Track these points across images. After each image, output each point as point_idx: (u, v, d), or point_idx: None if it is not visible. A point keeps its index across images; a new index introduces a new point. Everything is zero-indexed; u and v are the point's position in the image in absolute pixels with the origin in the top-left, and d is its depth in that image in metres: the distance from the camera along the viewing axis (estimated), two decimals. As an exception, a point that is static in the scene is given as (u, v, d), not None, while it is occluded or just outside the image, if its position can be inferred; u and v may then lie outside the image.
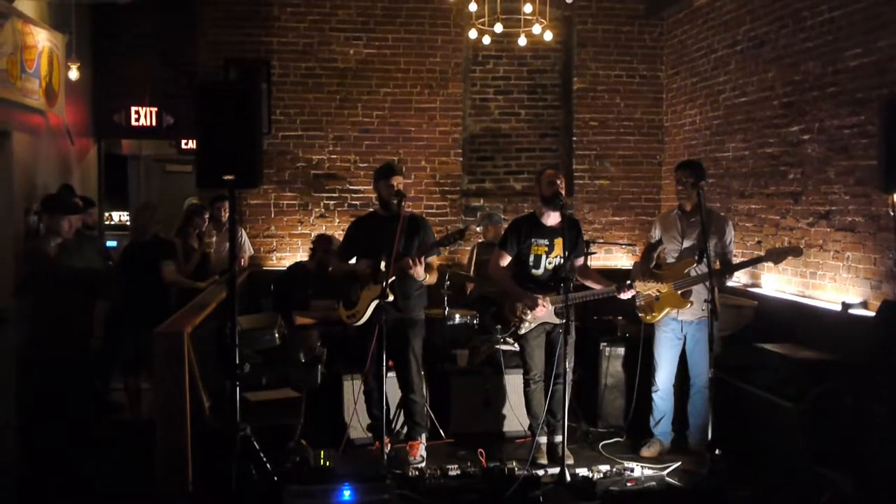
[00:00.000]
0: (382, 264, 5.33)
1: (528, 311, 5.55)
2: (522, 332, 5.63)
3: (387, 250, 5.30)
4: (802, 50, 6.18)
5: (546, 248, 5.63)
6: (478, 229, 7.85)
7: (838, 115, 5.79)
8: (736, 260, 5.94)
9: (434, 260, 5.69)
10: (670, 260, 5.84)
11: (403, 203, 5.51)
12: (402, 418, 5.90)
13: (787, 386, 5.22)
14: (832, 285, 5.87)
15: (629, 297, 5.58)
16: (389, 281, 5.28)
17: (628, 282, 5.58)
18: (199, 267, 7.59)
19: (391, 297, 5.35)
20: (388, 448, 5.43)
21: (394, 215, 5.45)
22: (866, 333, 5.08)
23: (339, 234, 8.14)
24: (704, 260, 5.30)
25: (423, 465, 5.51)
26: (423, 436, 5.72)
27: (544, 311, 5.54)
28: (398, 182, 5.55)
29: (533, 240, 5.65)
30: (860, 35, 5.55)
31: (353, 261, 5.77)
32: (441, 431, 6.10)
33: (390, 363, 5.54)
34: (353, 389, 5.88)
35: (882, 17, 5.34)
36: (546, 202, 5.62)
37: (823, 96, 5.95)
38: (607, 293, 5.58)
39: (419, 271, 5.36)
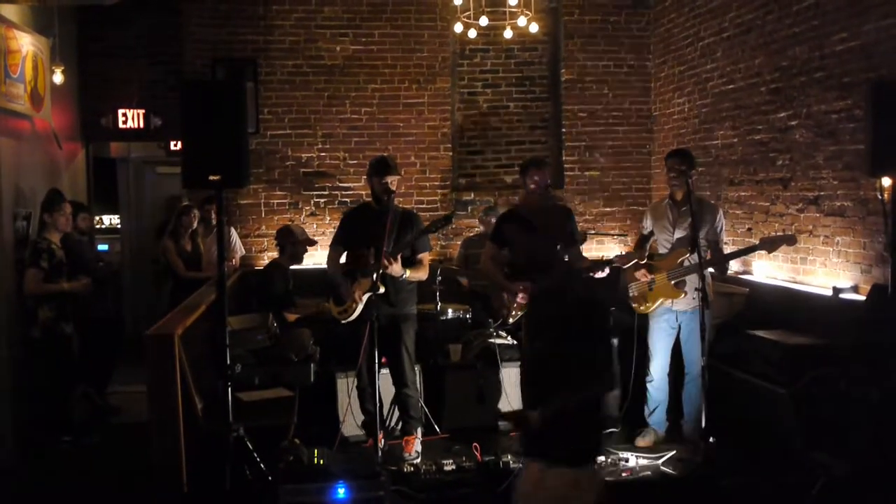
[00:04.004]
0: (372, 259, 5.32)
1: (514, 301, 5.57)
2: (511, 321, 5.65)
3: (375, 245, 5.29)
4: (789, 35, 6.17)
5: None
6: (480, 223, 7.87)
7: (825, 100, 5.79)
8: (727, 248, 5.94)
9: (425, 256, 5.68)
10: (662, 250, 5.84)
11: (392, 197, 5.51)
12: (396, 414, 5.90)
13: (779, 372, 5.23)
14: (823, 270, 5.87)
15: (603, 274, 5.55)
16: (380, 273, 5.27)
17: (603, 256, 5.59)
18: (191, 267, 7.59)
19: (382, 290, 5.34)
20: (382, 444, 5.44)
21: (385, 209, 5.45)
22: (857, 318, 5.09)
23: (330, 232, 8.13)
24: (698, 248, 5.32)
25: (419, 460, 5.50)
26: (419, 430, 5.73)
27: (528, 300, 5.56)
28: (392, 181, 5.54)
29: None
30: (845, 19, 5.54)
31: (344, 257, 5.77)
32: (436, 426, 6.10)
33: (383, 359, 5.53)
34: (346, 387, 5.87)
35: (866, 0, 5.34)
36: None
37: (810, 82, 5.94)
38: (585, 272, 5.58)
39: (396, 269, 5.33)
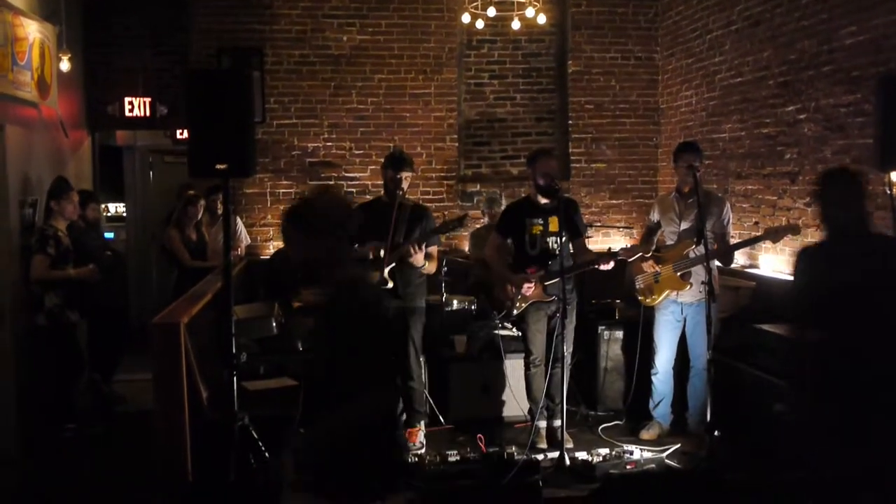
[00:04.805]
0: (382, 252, 5.34)
1: (518, 292, 5.58)
2: (515, 313, 5.66)
3: (386, 239, 5.32)
4: (797, 29, 6.14)
5: (541, 228, 5.64)
6: (482, 214, 7.87)
7: (834, 94, 5.76)
8: (733, 241, 5.93)
9: (434, 249, 5.69)
10: (669, 242, 5.84)
11: (401, 191, 5.52)
12: (400, 405, 5.91)
13: (785, 366, 5.21)
14: (830, 265, 5.84)
15: (609, 267, 5.53)
16: (389, 268, 5.30)
17: (609, 248, 5.61)
18: (197, 256, 7.59)
19: (391, 284, 5.37)
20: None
21: (392, 204, 5.47)
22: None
23: (335, 222, 8.13)
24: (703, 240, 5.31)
25: (423, 451, 5.52)
26: (422, 423, 5.73)
27: (531, 291, 5.57)
28: (405, 177, 5.54)
29: (528, 220, 5.66)
30: (854, 13, 5.51)
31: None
32: (440, 418, 6.10)
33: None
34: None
35: (876, -6, 5.31)
36: (541, 191, 5.63)
37: (819, 75, 5.92)
38: (590, 264, 5.56)
39: (419, 258, 5.38)
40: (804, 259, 4.00)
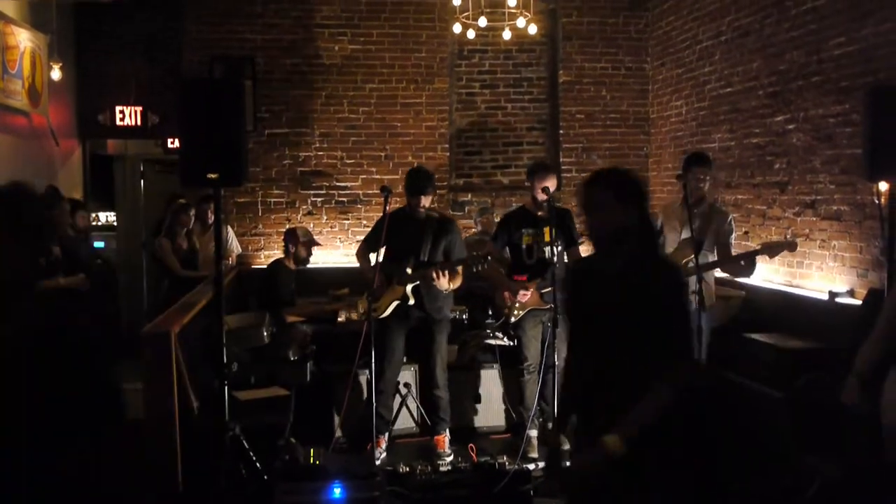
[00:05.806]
0: (409, 269, 5.44)
1: (516, 299, 5.61)
2: (513, 320, 5.69)
3: (412, 255, 5.45)
4: (787, 39, 6.19)
5: (537, 238, 5.68)
6: (475, 223, 7.90)
7: (823, 104, 5.80)
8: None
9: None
10: (669, 250, 5.84)
11: (422, 209, 5.54)
12: (402, 415, 5.99)
13: (774, 375, 5.23)
14: (819, 274, 5.88)
15: None
16: (412, 285, 5.43)
17: None
18: (187, 265, 7.57)
19: (412, 302, 5.47)
20: (383, 446, 5.47)
21: (418, 218, 5.54)
22: (853, 322, 5.09)
23: (327, 231, 8.16)
24: (701, 251, 5.33)
25: (451, 457, 5.58)
26: (447, 429, 5.73)
27: (528, 297, 5.60)
28: (424, 201, 5.52)
29: (523, 230, 5.71)
30: (844, 24, 5.56)
31: (372, 257, 5.78)
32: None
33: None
34: (349, 386, 5.87)
35: (865, 5, 5.35)
36: (539, 206, 5.68)
37: (808, 85, 5.95)
38: None
39: (443, 283, 5.38)
40: (568, 272, 3.80)
